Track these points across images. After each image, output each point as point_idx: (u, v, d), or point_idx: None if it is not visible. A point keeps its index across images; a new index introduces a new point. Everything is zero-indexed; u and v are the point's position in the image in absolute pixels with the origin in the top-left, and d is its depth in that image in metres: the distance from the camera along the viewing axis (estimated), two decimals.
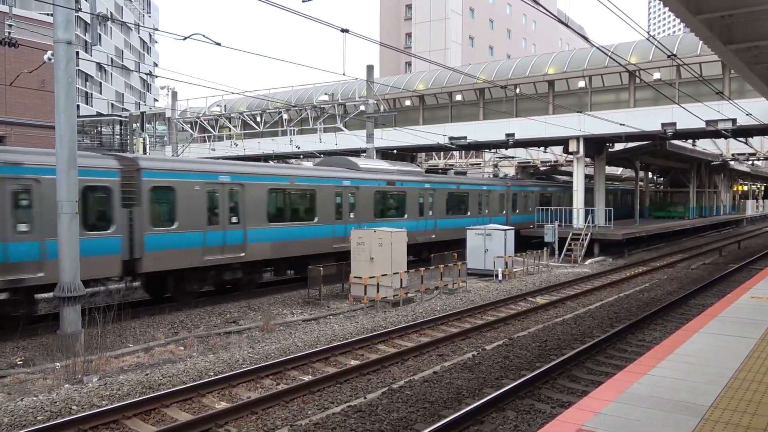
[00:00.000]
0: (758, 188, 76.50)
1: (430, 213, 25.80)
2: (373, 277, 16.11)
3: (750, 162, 50.79)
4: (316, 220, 19.78)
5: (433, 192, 26.08)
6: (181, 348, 12.10)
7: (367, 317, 14.94)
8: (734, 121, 24.73)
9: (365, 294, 16.11)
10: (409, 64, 68.33)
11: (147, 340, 12.65)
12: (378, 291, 16.04)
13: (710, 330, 8.25)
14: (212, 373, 10.14)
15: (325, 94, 35.53)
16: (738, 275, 21.43)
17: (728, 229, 49.92)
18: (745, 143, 36.67)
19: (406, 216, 24.26)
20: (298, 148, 33.19)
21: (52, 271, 12.28)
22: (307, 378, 10.01)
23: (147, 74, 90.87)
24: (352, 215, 21.42)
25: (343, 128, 31.66)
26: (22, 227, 12.65)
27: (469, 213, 28.41)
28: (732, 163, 48.29)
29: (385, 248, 16.72)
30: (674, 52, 17.79)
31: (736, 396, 5.55)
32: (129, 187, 14.49)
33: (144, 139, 34.03)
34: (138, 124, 40.71)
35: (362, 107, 29.04)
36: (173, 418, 8.30)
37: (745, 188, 68.34)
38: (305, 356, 10.93)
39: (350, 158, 24.38)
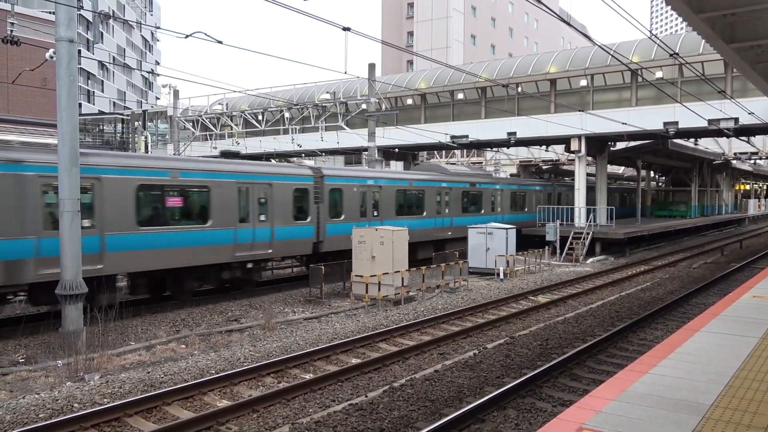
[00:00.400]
0: (760, 187, 76.38)
1: (499, 209, 30.51)
2: (375, 275, 16.11)
3: (752, 161, 50.67)
4: (425, 214, 24.98)
5: (501, 192, 30.90)
6: (183, 346, 12.12)
7: (369, 316, 14.95)
8: (736, 120, 24.67)
9: (366, 292, 16.11)
10: (411, 62, 68.28)
11: (149, 338, 12.68)
12: (379, 289, 16.04)
13: (711, 329, 8.24)
14: (213, 372, 10.15)
15: (327, 92, 35.50)
16: (740, 274, 21.42)
17: (730, 228, 49.83)
18: (748, 142, 36.60)
19: (482, 211, 28.96)
20: (300, 146, 33.17)
21: (277, 248, 17.95)
22: (308, 376, 10.03)
23: (149, 72, 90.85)
24: (447, 210, 26.48)
25: (345, 127, 31.65)
26: (262, 218, 17.48)
27: (526, 209, 32.74)
28: (734, 162, 48.19)
29: (387, 247, 16.72)
30: (676, 51, 17.74)
31: (737, 395, 5.55)
32: (317, 189, 19.40)
33: (146, 137, 34.00)
34: (140, 123, 40.70)
35: (364, 106, 29.02)
36: (175, 416, 8.31)
37: (747, 187, 68.22)
38: (306, 354, 10.95)
39: (441, 165, 30.32)
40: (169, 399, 8.73)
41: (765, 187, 79.16)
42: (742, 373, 6.22)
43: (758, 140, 38.81)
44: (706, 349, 7.15)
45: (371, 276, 16.13)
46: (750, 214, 58.37)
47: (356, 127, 32.93)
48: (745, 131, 28.61)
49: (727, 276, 20.99)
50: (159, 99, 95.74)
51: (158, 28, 12.61)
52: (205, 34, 12.61)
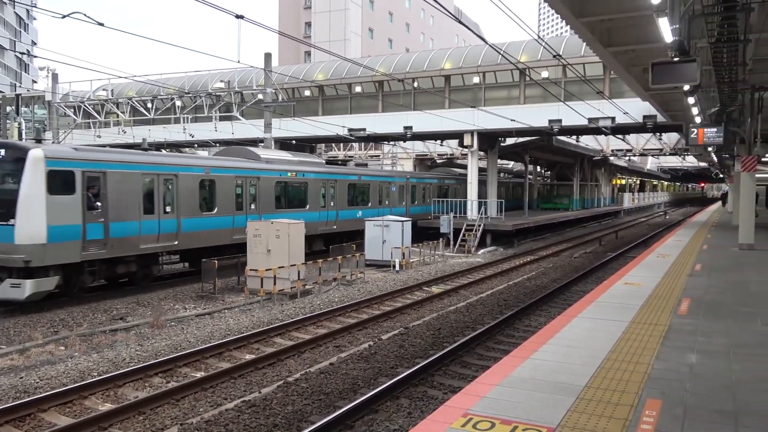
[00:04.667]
0: (634, 182, 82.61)
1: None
2: (270, 269, 15.88)
3: (627, 158, 54.67)
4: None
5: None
6: (62, 348, 11.37)
7: (264, 310, 14.73)
8: (613, 119, 26.53)
9: (262, 287, 15.85)
10: (308, 53, 67.68)
11: (22, 341, 11.76)
12: (275, 283, 15.83)
13: (588, 315, 8.82)
14: (96, 374, 9.61)
15: (221, 81, 34.46)
16: (615, 263, 23.04)
17: (607, 220, 53.46)
18: (623, 140, 39.48)
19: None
20: (192, 136, 32.01)
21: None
22: (199, 374, 9.73)
23: (24, 53, 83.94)
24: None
25: (240, 117, 30.88)
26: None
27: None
28: (611, 158, 51.82)
29: (283, 240, 16.52)
30: (560, 53, 18.77)
31: (608, 376, 5.98)
32: None
33: (20, 124, 31.42)
34: (13, 108, 37.56)
35: (260, 96, 28.46)
36: (51, 423, 7.79)
37: (623, 182, 73.53)
38: (197, 352, 10.61)
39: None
40: (45, 405, 8.16)
41: (638, 182, 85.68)
42: (613, 355, 6.71)
43: (632, 138, 41.93)
44: (582, 334, 7.65)
45: (267, 270, 15.89)
46: (625, 207, 62.93)
47: (252, 117, 32.22)
48: (620, 130, 30.81)
49: (604, 264, 22.53)
50: (36, 83, 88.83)
51: (34, 6, 11.67)
52: (85, 15, 11.81)
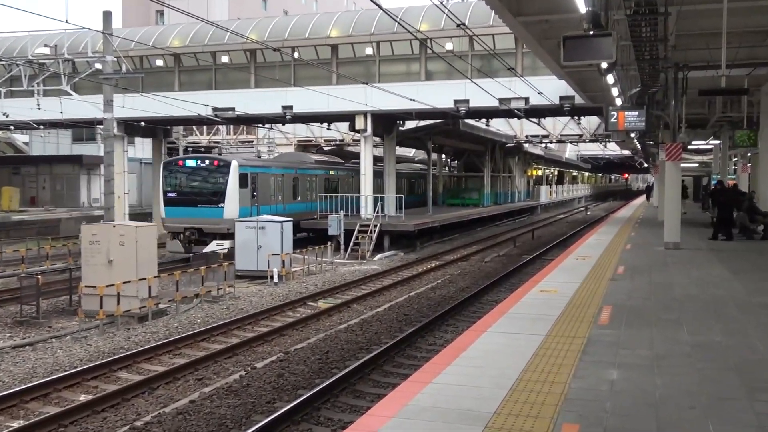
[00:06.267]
0: (552, 173, 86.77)
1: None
2: (112, 285, 15.20)
3: (543, 145, 57.31)
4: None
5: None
6: None
7: (104, 338, 14.17)
8: (527, 99, 27.68)
9: (102, 307, 15.11)
10: (161, 13, 65.51)
11: None
12: (119, 303, 15.19)
13: (499, 328, 9.14)
14: None
15: (45, 45, 32.57)
16: (531, 267, 24.10)
17: (523, 218, 55.77)
18: (538, 124, 41.34)
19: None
20: (6, 116, 30.10)
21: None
22: (16, 424, 9.17)
23: None
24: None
25: (71, 92, 29.28)
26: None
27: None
28: (526, 145, 54.13)
29: (129, 247, 15.91)
30: (465, 22, 19.31)
31: (520, 399, 6.22)
32: None
33: None
34: None
35: (98, 65, 27.15)
36: None
37: (539, 173, 77.06)
38: (14, 394, 10.07)
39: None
40: None
41: (556, 173, 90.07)
42: (527, 374, 6.99)
43: (549, 122, 44.04)
44: (492, 351, 7.91)
45: (108, 286, 15.19)
46: (542, 202, 66.01)
47: (87, 92, 30.66)
48: (535, 112, 32.23)
49: (518, 269, 23.51)
50: None
51: None
52: None
